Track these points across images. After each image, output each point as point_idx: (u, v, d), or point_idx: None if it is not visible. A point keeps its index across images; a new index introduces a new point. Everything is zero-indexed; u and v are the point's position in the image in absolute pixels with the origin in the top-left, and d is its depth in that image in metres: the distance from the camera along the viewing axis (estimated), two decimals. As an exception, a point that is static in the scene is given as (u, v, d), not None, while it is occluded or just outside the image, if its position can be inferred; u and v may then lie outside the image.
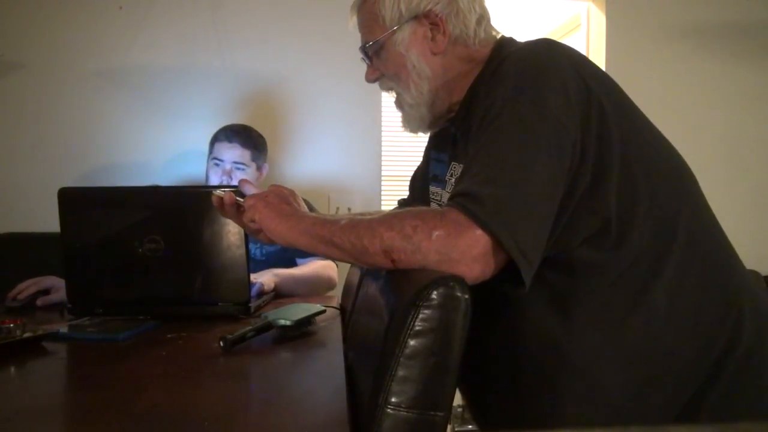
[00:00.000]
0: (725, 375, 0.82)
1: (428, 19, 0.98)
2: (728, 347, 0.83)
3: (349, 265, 1.56)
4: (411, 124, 1.06)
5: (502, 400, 0.92)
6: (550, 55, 0.86)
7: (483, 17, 1.01)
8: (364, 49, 1.04)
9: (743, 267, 0.92)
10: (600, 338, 0.83)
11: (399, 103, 1.06)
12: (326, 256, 0.95)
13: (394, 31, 0.99)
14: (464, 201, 0.77)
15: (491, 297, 0.82)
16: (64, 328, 1.09)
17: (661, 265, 0.83)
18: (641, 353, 0.82)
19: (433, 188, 1.13)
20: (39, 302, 1.35)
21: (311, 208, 1.48)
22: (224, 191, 0.98)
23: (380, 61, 1.03)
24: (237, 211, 0.97)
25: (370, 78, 1.07)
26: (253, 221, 0.92)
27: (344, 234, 0.82)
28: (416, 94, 1.01)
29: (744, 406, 0.83)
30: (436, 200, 1.11)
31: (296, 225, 0.88)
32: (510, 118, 0.81)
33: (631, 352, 0.82)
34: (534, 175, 0.78)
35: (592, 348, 0.83)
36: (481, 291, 0.76)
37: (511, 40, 1.02)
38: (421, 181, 1.22)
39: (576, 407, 0.83)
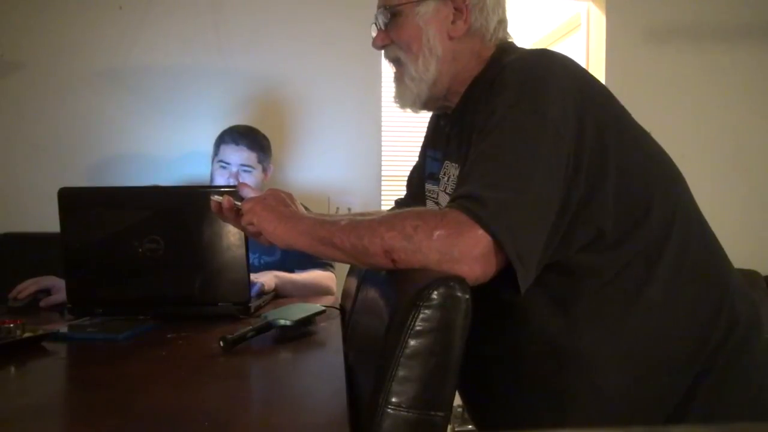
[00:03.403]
0: (716, 368, 0.83)
1: (454, 3, 0.99)
2: (721, 342, 0.84)
3: (346, 273, 1.57)
4: (404, 98, 1.05)
5: (503, 398, 0.92)
6: (549, 67, 0.88)
7: (503, 21, 1.03)
8: (384, 9, 1.03)
9: (732, 266, 0.93)
10: (598, 335, 0.84)
11: (399, 76, 1.05)
12: (326, 258, 0.95)
13: (419, 2, 0.99)
14: (465, 202, 0.78)
15: (490, 298, 0.83)
16: (64, 328, 1.09)
17: (656, 265, 0.84)
18: (639, 349, 0.84)
19: (429, 186, 1.14)
20: (42, 304, 1.35)
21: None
22: (223, 191, 0.98)
23: (394, 28, 1.02)
24: (236, 215, 0.97)
25: (378, 43, 1.05)
26: (251, 224, 0.92)
27: (344, 235, 0.82)
28: (422, 69, 1.00)
29: (733, 397, 0.84)
30: (432, 198, 1.11)
31: (295, 226, 0.88)
32: (511, 126, 0.82)
33: (629, 348, 0.84)
34: (534, 184, 0.79)
35: (590, 345, 0.84)
36: (479, 293, 0.76)
37: (511, 46, 1.03)
38: (417, 179, 1.23)
39: (576, 402, 0.84)
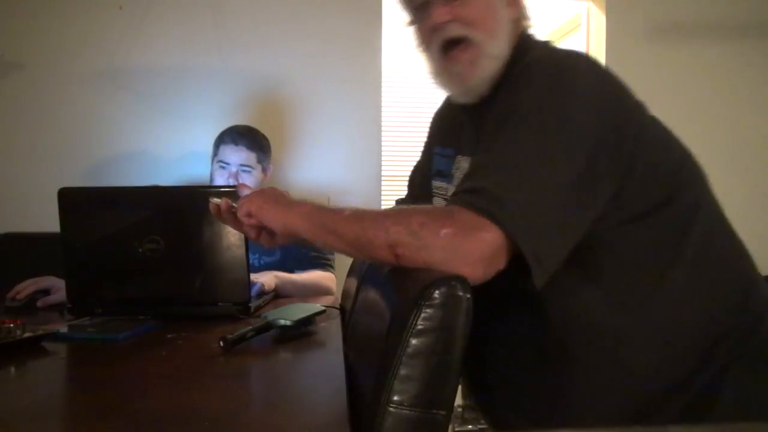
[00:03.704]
0: (748, 353, 0.83)
1: None
2: (752, 327, 0.84)
3: (346, 273, 1.56)
4: (475, 79, 0.95)
5: (524, 381, 0.90)
6: (575, 66, 0.86)
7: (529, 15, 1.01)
8: None
9: (753, 261, 0.93)
10: (626, 313, 0.83)
11: (471, 56, 0.94)
12: (325, 246, 0.93)
13: None
14: (475, 199, 0.76)
15: (509, 281, 0.81)
16: (64, 328, 1.09)
17: (680, 247, 0.84)
18: (666, 329, 0.83)
19: (437, 183, 1.12)
20: (39, 303, 1.35)
21: None
22: (222, 192, 0.98)
23: (459, 4, 0.94)
24: (234, 217, 0.96)
25: (443, 18, 0.94)
26: (249, 215, 0.90)
27: (348, 224, 0.81)
28: (499, 47, 0.94)
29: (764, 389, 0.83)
30: (441, 195, 1.10)
31: (296, 211, 0.86)
32: (532, 124, 0.81)
33: (657, 328, 0.83)
34: (552, 184, 0.77)
35: (619, 322, 0.83)
36: (499, 280, 0.75)
37: (530, 39, 0.99)
38: (420, 178, 1.21)
39: (605, 381, 0.83)
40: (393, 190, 2.59)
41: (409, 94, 3.08)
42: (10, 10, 2.10)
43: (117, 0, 2.15)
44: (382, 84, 2.33)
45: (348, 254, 0.88)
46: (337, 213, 0.83)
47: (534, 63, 0.88)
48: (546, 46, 0.98)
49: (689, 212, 0.86)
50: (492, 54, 0.94)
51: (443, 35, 0.95)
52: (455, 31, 0.94)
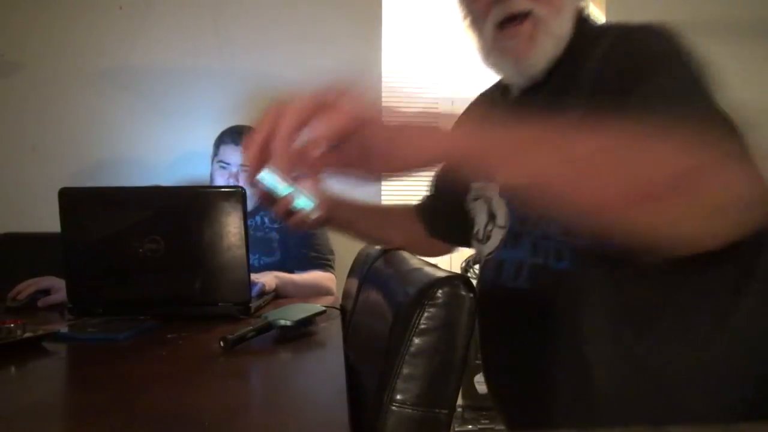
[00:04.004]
0: None
1: None
2: None
3: (347, 274, 1.55)
4: (530, 57, 0.86)
5: (565, 403, 0.85)
6: (675, 33, 0.85)
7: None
8: None
9: None
10: (680, 360, 0.78)
11: (528, 32, 0.85)
12: (513, 179, 0.58)
13: None
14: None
15: (563, 303, 0.77)
16: (64, 328, 1.08)
17: (748, 281, 0.78)
18: (719, 369, 0.77)
19: (476, 184, 1.05)
20: (40, 303, 1.35)
21: None
22: (224, 191, 0.97)
23: None
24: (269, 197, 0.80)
25: None
26: (360, 161, 0.59)
27: (581, 139, 0.56)
28: (564, 24, 0.86)
29: None
30: (481, 196, 1.03)
31: (469, 132, 0.60)
32: (684, 83, 0.76)
33: (709, 369, 0.78)
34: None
35: (672, 363, 0.78)
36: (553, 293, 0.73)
37: (591, 21, 0.93)
38: (445, 177, 1.13)
39: (651, 416, 0.78)
40: (393, 189, 2.59)
41: (409, 93, 3.07)
42: (10, 10, 2.10)
43: (117, 0, 2.15)
44: (382, 84, 2.33)
45: (558, 190, 0.56)
46: (554, 131, 0.57)
47: (634, 34, 0.84)
48: (614, 23, 0.92)
49: (757, 244, 0.77)
50: (554, 32, 0.86)
51: (506, 9, 0.85)
52: (520, 5, 0.84)
